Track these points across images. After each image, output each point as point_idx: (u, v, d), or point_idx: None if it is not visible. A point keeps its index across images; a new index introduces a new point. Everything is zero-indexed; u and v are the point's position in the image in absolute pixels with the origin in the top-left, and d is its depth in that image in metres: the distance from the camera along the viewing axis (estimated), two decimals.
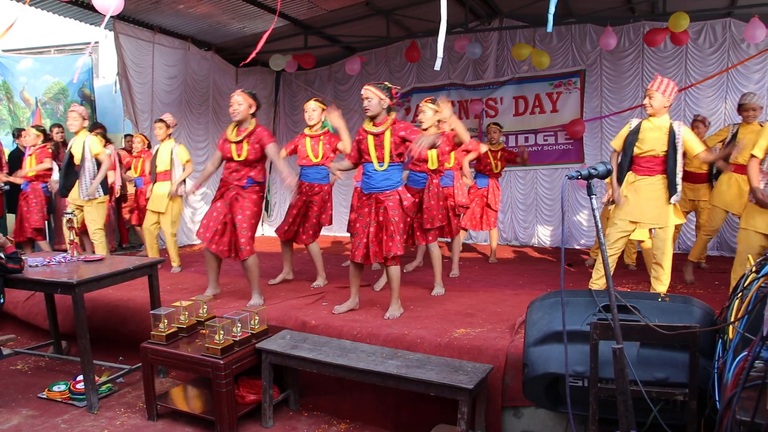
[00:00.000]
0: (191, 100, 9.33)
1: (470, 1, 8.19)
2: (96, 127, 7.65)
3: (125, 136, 9.22)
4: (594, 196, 2.37)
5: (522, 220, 9.43)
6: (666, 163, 4.54)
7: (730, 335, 2.48)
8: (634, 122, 4.70)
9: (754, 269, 2.56)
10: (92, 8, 6.02)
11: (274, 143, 4.89)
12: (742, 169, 5.47)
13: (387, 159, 4.41)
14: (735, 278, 4.46)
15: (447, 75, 9.71)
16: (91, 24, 7.89)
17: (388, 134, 4.39)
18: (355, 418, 4.06)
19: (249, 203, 4.89)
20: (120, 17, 7.75)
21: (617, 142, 4.76)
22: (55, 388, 4.35)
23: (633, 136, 4.62)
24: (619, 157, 4.77)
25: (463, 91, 9.66)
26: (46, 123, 9.57)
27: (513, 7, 8.52)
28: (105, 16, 5.58)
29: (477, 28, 9.01)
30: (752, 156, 4.26)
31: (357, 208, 4.62)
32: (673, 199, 4.53)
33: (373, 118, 4.46)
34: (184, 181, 6.90)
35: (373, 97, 4.38)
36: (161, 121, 6.97)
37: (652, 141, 4.54)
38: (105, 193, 6.70)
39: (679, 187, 4.54)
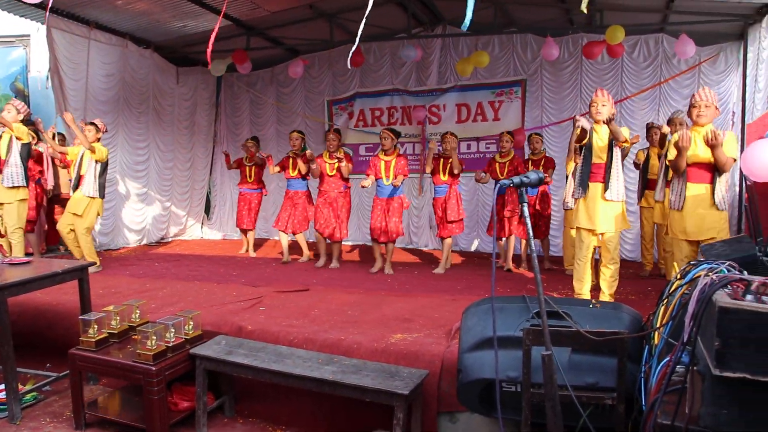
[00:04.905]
0: (130, 98, 9.07)
1: (413, 7, 8.24)
2: (30, 124, 7.39)
3: (56, 134, 8.87)
4: (525, 203, 2.41)
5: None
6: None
7: (656, 341, 2.56)
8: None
9: (678, 276, 2.65)
10: None
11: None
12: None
13: (391, 177, 6.92)
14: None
15: (390, 81, 9.75)
16: (21, 16, 7.60)
17: (393, 161, 6.94)
18: (291, 424, 4.01)
19: (345, 203, 7.48)
20: (53, 10, 7.48)
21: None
22: None
23: (588, 147, 4.81)
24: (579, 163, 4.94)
25: (407, 97, 9.71)
26: None
27: (456, 14, 8.59)
28: (36, 7, 5.43)
29: (420, 35, 9.07)
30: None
31: (374, 207, 7.18)
32: (608, 195, 4.66)
33: (385, 151, 6.92)
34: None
35: (388, 138, 6.93)
36: (93, 124, 6.86)
37: (597, 149, 4.74)
38: (25, 184, 6.46)
39: (613, 184, 4.68)
